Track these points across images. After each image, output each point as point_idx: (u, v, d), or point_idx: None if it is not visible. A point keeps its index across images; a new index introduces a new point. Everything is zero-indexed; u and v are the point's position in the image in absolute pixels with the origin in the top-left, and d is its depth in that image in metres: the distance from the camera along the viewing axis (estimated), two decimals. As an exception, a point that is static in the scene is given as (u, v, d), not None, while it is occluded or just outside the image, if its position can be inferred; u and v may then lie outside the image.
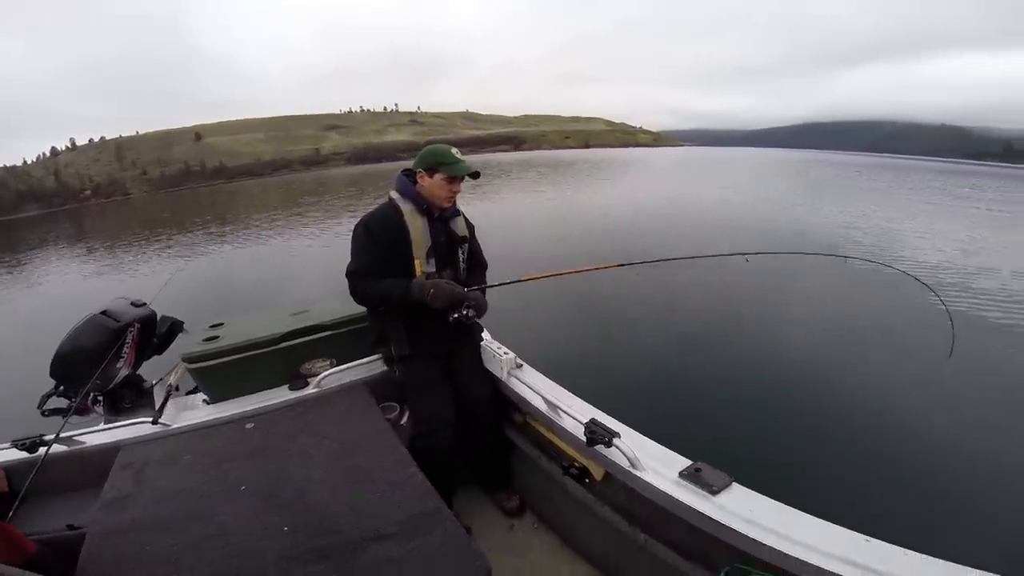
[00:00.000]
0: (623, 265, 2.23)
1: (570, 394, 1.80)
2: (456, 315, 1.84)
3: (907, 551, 1.06)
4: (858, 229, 12.29)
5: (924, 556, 1.05)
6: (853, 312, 6.11)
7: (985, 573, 0.98)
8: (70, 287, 11.23)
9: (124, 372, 2.15)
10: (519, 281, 2.14)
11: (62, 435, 1.67)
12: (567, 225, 12.83)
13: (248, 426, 1.78)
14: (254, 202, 32.10)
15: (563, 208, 17.61)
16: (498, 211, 15.82)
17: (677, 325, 5.76)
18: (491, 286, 2.05)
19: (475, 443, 2.00)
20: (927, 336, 5.19)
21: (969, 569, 1.00)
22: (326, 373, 2.02)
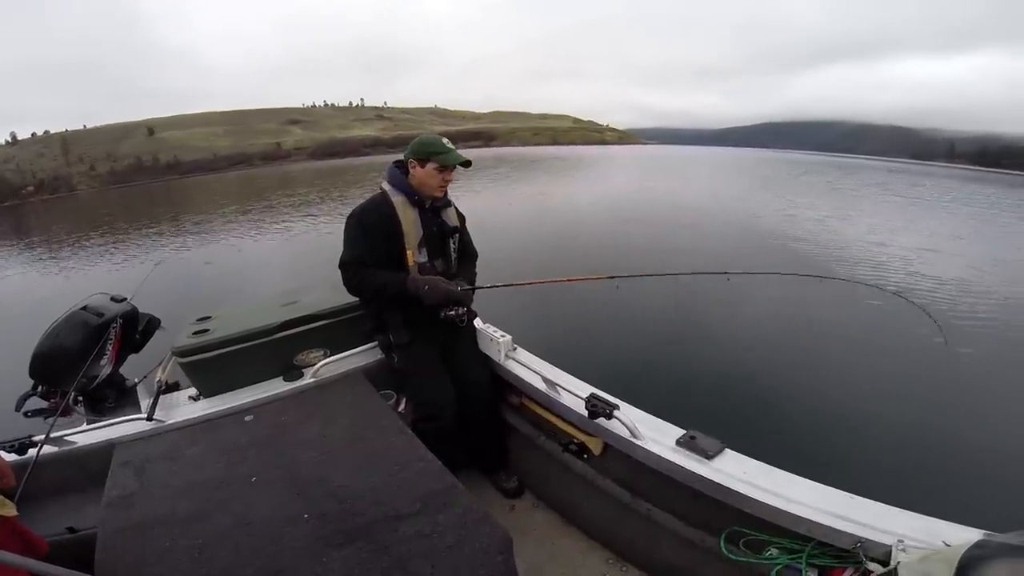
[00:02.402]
0: (613, 277, 2.33)
1: (567, 374, 1.86)
2: (450, 312, 1.88)
3: (890, 507, 1.16)
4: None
5: (906, 511, 1.14)
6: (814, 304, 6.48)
7: (956, 524, 1.07)
8: (32, 284, 10.64)
9: (107, 370, 2.09)
10: (512, 285, 2.20)
11: (51, 435, 1.62)
12: (546, 226, 12.97)
13: (247, 419, 1.76)
14: (213, 198, 30.99)
15: (542, 208, 17.83)
16: (482, 210, 15.88)
17: (662, 311, 5.98)
18: (483, 287, 2.10)
19: (473, 426, 2.05)
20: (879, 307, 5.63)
21: (943, 520, 1.09)
22: (323, 363, 2.02)
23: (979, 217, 17.89)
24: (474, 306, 2.07)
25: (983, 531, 1.01)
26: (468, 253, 2.19)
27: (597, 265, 8.28)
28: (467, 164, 1.98)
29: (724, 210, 16.29)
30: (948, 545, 0.99)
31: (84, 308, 2.07)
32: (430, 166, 1.89)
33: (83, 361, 1.92)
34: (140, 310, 2.36)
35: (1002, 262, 9.84)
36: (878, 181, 34.03)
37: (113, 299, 2.24)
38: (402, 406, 2.13)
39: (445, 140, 1.94)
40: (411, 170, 1.93)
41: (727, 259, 8.96)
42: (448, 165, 1.90)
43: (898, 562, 0.94)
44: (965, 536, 1.01)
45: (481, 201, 18.38)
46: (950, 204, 21.82)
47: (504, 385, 2.09)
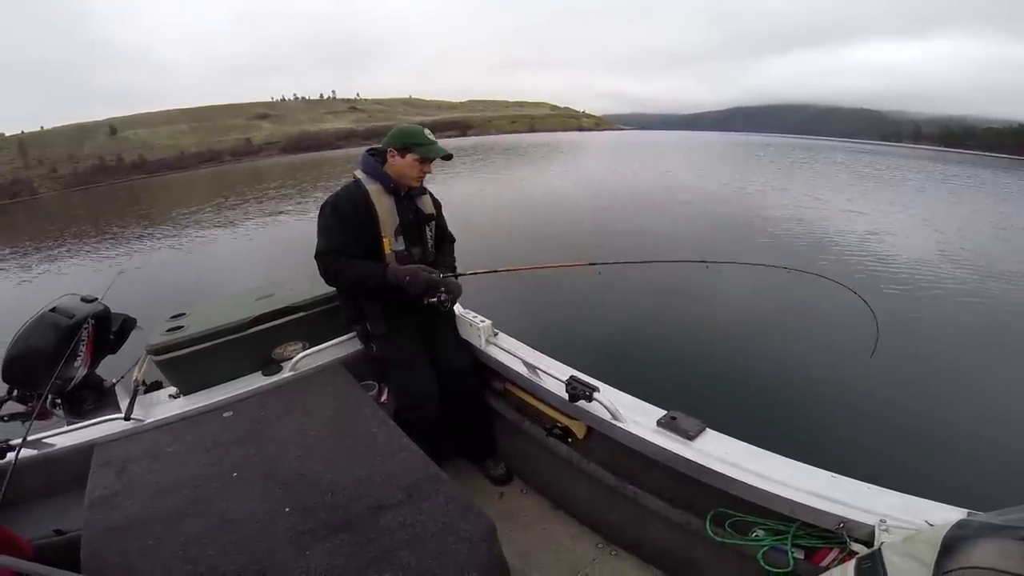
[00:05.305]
0: (594, 264, 2.35)
1: (548, 357, 1.86)
2: (432, 299, 1.87)
3: (871, 486, 1.17)
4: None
5: (887, 490, 1.15)
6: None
7: (937, 503, 1.09)
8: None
9: (82, 372, 2.06)
10: (494, 271, 2.20)
11: (29, 439, 1.59)
12: (532, 214, 12.97)
13: (227, 414, 1.76)
14: (183, 195, 30.16)
15: (522, 195, 17.83)
16: (462, 196, 15.78)
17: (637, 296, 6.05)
18: (465, 274, 2.10)
19: (458, 413, 2.05)
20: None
21: (924, 499, 1.11)
22: (301, 355, 2.00)
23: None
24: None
25: (965, 510, 1.01)
26: (445, 238, 2.20)
27: (578, 251, 8.33)
28: (448, 157, 1.99)
29: (703, 191, 16.57)
30: (930, 525, 0.98)
31: (53, 310, 2.04)
32: (410, 157, 1.88)
33: (56, 363, 1.88)
34: (113, 310, 2.33)
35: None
36: (840, 160, 35.26)
37: (84, 300, 2.20)
38: (384, 396, 2.14)
39: (427, 131, 1.93)
40: (390, 159, 1.92)
41: (705, 241, 9.12)
42: (429, 157, 1.90)
43: (882, 543, 0.92)
44: (947, 515, 1.00)
45: (461, 188, 18.29)
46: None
47: (487, 371, 2.09)
